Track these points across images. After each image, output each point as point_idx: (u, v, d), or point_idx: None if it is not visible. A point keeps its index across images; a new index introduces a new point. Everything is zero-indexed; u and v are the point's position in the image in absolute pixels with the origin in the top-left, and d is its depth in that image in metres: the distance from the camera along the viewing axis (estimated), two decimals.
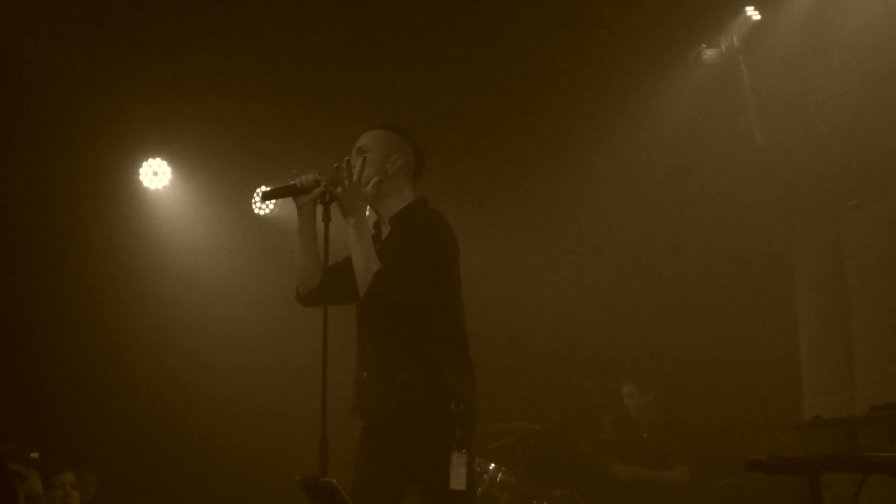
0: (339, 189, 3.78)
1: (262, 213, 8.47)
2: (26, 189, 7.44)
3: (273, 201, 8.41)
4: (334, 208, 3.84)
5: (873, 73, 5.71)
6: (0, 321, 7.30)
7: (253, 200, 8.45)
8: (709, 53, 6.99)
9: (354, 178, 3.75)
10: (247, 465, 7.86)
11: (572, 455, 6.98)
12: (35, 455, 6.43)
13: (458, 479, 3.54)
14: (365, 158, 3.89)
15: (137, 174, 8.02)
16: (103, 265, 7.82)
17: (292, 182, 3.89)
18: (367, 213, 3.97)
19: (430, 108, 7.66)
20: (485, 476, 6.58)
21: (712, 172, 7.14)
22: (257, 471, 7.73)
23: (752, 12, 6.72)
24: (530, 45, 7.07)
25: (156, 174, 8.05)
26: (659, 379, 6.97)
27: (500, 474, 6.56)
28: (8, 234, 7.42)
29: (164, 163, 8.05)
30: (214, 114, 7.59)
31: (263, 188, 8.39)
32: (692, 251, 7.41)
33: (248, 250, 8.35)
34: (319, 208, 3.84)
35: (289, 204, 8.63)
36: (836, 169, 6.15)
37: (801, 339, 6.64)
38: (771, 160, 6.60)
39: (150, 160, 8.04)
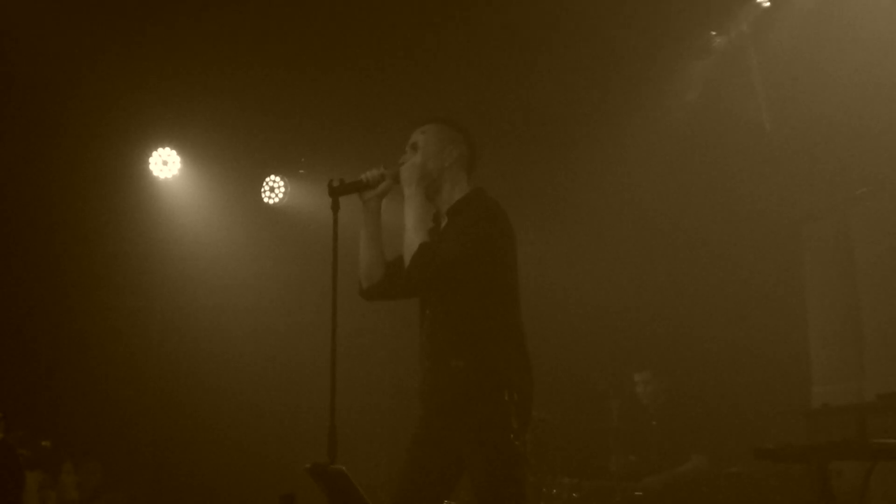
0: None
1: (271, 202, 8.49)
2: (35, 179, 7.47)
3: (275, 190, 8.44)
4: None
5: (883, 60, 5.68)
6: (8, 311, 7.33)
7: (262, 189, 8.47)
8: (718, 40, 6.96)
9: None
10: (255, 453, 7.89)
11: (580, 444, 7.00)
12: (47, 444, 6.48)
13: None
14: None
15: (147, 163, 8.04)
16: (112, 254, 7.85)
17: (359, 178, 3.89)
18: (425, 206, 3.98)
19: (444, 95, 7.66)
20: None
21: (722, 160, 7.12)
22: (266, 459, 7.77)
23: None
24: (539, 33, 7.05)
25: (165, 163, 8.07)
26: (669, 366, 6.96)
27: None
28: (17, 224, 7.45)
29: (174, 152, 8.07)
30: (224, 103, 7.59)
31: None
32: (701, 239, 7.39)
33: (257, 239, 8.38)
34: (384, 203, 3.93)
35: (297, 193, 8.65)
36: (846, 156, 6.14)
37: (810, 327, 6.64)
38: (780, 147, 6.58)
39: (160, 149, 8.06)
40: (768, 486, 5.91)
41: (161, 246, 8.06)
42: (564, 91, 7.46)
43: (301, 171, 8.44)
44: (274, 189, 8.51)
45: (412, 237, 3.75)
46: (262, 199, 8.49)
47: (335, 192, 3.89)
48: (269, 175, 8.50)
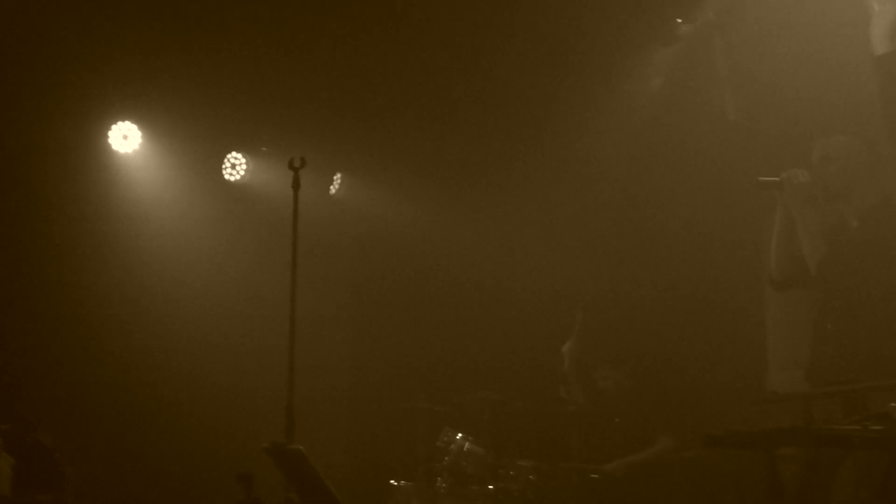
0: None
1: (232, 179, 8.44)
2: None
3: (236, 167, 8.40)
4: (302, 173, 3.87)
5: (848, 48, 5.72)
6: None
7: (223, 166, 8.41)
8: (684, 28, 6.98)
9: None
10: (213, 432, 7.87)
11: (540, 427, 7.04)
12: (6, 427, 6.41)
13: None
14: None
15: (106, 137, 7.93)
16: (71, 229, 7.75)
17: (781, 177, 4.28)
18: None
19: (407, 83, 7.64)
20: (452, 445, 6.63)
21: (686, 148, 7.15)
22: (224, 437, 7.74)
23: None
24: (504, 18, 7.03)
25: (125, 138, 7.96)
26: (631, 355, 6.99)
27: (466, 444, 6.61)
28: None
29: (134, 126, 7.97)
30: (186, 77, 7.50)
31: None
32: (663, 226, 7.43)
33: (217, 216, 8.33)
34: None
35: (259, 170, 8.60)
36: (809, 146, 6.17)
37: (767, 315, 6.70)
38: (743, 136, 6.61)
39: (120, 123, 7.95)
40: (723, 470, 5.98)
41: (120, 221, 7.98)
42: (528, 78, 7.45)
43: (263, 149, 8.39)
44: (235, 166, 8.45)
45: (816, 242, 4.14)
46: (223, 176, 8.43)
47: (759, 187, 4.31)
48: (230, 152, 8.44)
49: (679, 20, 6.96)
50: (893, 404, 2.21)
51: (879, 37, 3.19)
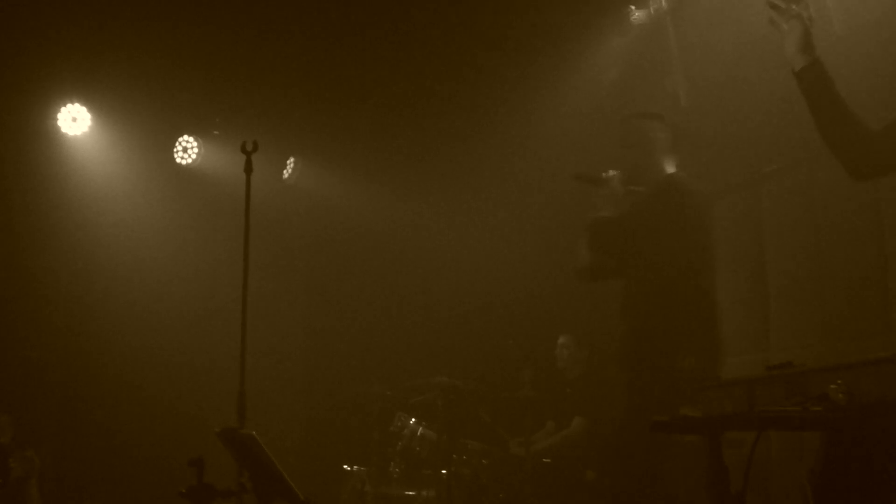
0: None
1: (184, 162, 8.37)
2: None
3: (187, 150, 8.33)
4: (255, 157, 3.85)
5: None
6: None
7: (175, 149, 8.33)
8: (637, 14, 7.02)
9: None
10: (165, 416, 7.82)
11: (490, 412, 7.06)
12: None
13: None
14: None
15: (55, 120, 7.83)
16: (20, 212, 7.66)
17: (599, 175, 4.51)
18: None
19: (361, 68, 7.61)
20: (405, 430, 6.64)
21: None
22: (175, 421, 7.70)
23: None
24: (460, 5, 7.03)
25: (74, 120, 7.86)
26: (590, 337, 7.02)
27: (420, 428, 6.63)
28: None
29: (84, 108, 7.87)
30: (136, 58, 7.42)
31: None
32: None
33: (168, 200, 8.26)
34: None
35: (211, 154, 8.53)
36: (759, 133, 6.25)
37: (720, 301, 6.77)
38: (696, 122, 6.67)
39: (69, 105, 7.85)
40: (668, 455, 6.04)
41: (70, 204, 7.89)
42: (485, 64, 7.46)
43: (215, 132, 8.32)
44: (187, 149, 8.37)
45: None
46: (174, 159, 8.35)
47: (578, 178, 4.52)
48: (182, 135, 8.36)
49: (633, 7, 7.00)
50: (833, 386, 2.25)
51: (793, 53, 3.24)
